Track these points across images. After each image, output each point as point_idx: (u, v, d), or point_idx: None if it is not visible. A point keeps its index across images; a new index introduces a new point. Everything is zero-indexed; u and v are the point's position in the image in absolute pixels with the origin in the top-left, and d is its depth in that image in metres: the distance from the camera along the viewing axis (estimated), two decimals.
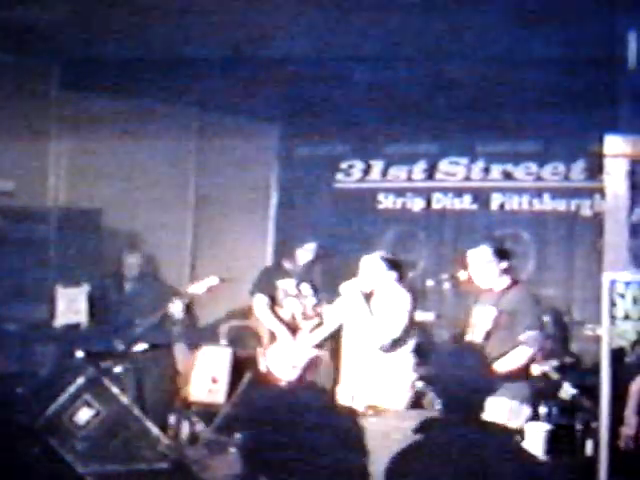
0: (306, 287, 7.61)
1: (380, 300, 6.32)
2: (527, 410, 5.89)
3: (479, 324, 6.02)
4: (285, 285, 7.73)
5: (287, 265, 7.94)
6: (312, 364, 7.40)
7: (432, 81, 7.77)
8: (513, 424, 5.72)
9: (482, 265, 6.08)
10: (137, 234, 8.47)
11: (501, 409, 5.78)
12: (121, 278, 8.18)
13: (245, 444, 2.14)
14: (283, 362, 7.45)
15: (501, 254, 6.10)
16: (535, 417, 5.95)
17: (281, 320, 7.65)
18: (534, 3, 6.21)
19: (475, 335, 5.98)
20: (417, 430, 3.33)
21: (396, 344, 6.19)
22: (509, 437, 3.82)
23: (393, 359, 6.19)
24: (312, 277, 7.73)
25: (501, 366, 5.74)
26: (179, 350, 8.06)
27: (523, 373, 5.88)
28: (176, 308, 7.59)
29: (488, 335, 5.90)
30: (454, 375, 2.45)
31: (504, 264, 6.05)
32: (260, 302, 7.77)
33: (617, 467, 5.34)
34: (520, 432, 5.66)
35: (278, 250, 9.31)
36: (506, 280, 6.07)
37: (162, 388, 7.75)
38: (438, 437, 2.17)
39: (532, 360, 5.90)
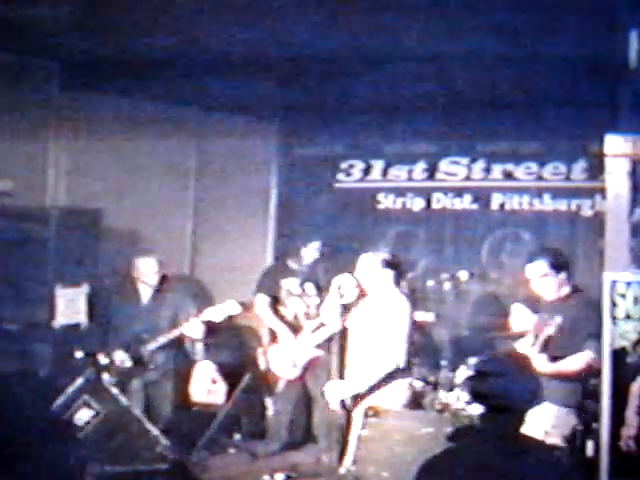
0: (310, 286, 7.59)
1: (376, 301, 6.29)
2: (573, 420, 5.89)
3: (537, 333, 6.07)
4: (289, 284, 7.71)
5: (291, 264, 7.89)
6: (313, 364, 7.39)
7: (432, 81, 7.76)
8: (557, 432, 5.75)
9: (542, 279, 6.17)
10: (136, 235, 8.45)
11: (546, 415, 5.80)
12: (134, 284, 7.58)
13: None
14: (284, 361, 7.45)
15: (558, 266, 6.18)
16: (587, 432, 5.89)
17: (283, 319, 7.63)
18: (534, 3, 6.20)
19: (533, 344, 6.01)
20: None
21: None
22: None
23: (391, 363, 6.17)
24: (316, 276, 7.69)
25: (557, 371, 5.79)
26: (204, 368, 7.62)
27: (575, 380, 5.90)
28: (194, 329, 7.25)
29: (547, 344, 5.94)
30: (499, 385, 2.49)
31: (563, 275, 6.15)
32: (262, 302, 7.75)
33: (618, 468, 5.33)
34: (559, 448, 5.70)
35: (279, 250, 9.31)
36: (566, 289, 6.16)
37: (168, 404, 7.58)
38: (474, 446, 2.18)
39: (590, 369, 5.88)
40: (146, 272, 7.51)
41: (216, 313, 7.22)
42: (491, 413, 6.27)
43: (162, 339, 7.27)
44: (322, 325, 7.23)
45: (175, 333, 7.27)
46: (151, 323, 7.42)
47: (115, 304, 7.55)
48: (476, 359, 6.34)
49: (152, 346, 7.28)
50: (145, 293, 7.59)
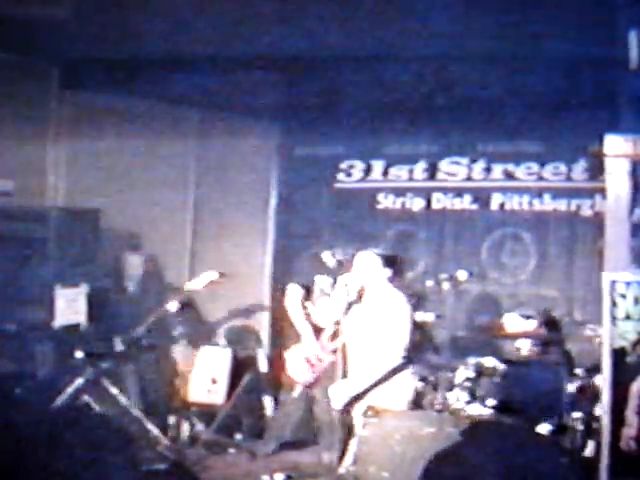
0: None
1: (374, 299, 6.28)
2: None
3: None
4: (322, 282, 7.45)
5: (328, 259, 7.54)
6: (328, 369, 7.22)
7: (432, 81, 7.76)
8: None
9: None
10: (137, 234, 8.46)
11: None
12: (122, 277, 8.12)
13: None
14: (302, 365, 7.26)
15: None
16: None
17: (309, 319, 7.36)
18: (534, 3, 6.20)
19: None
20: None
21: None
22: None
23: (391, 360, 6.16)
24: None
25: None
26: (179, 350, 8.02)
27: None
28: (172, 307, 7.63)
29: None
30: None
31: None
32: (294, 293, 7.38)
33: (618, 468, 5.33)
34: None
35: (279, 250, 9.33)
36: None
37: (162, 388, 7.71)
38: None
39: None
40: (133, 267, 8.10)
41: (197, 282, 7.66)
42: (495, 414, 6.29)
43: (149, 320, 7.55)
44: (339, 332, 7.03)
45: (158, 313, 7.58)
46: (138, 308, 7.83)
47: (110, 298, 7.89)
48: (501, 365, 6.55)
49: (141, 327, 7.51)
50: (130, 284, 8.17)
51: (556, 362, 6.79)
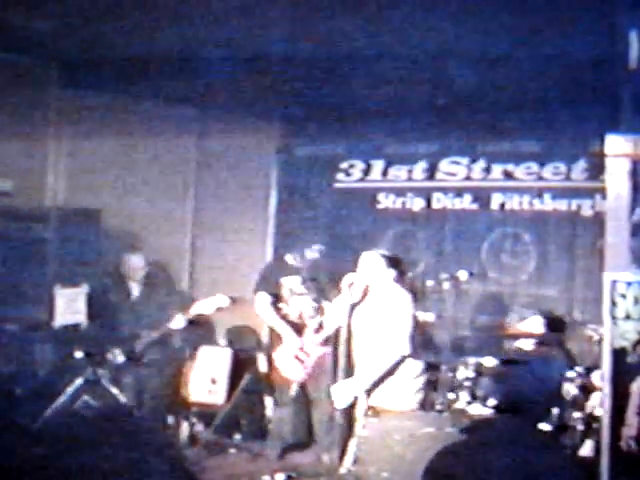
0: (312, 285, 7.50)
1: (378, 298, 6.30)
2: None
3: None
4: (290, 283, 7.58)
5: (291, 261, 7.74)
6: (320, 362, 7.29)
7: (432, 81, 7.76)
8: None
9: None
10: (136, 235, 8.46)
11: None
12: (123, 281, 7.94)
13: None
14: (291, 362, 7.34)
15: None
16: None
17: (286, 319, 7.50)
18: (534, 3, 6.20)
19: None
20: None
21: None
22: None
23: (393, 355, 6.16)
24: (318, 275, 7.57)
25: None
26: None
27: None
28: (177, 324, 7.53)
29: None
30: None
31: None
32: (263, 300, 7.65)
33: (618, 468, 5.33)
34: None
35: (279, 249, 9.32)
36: None
37: (161, 388, 7.71)
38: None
39: None
40: (134, 268, 7.89)
41: (206, 306, 7.45)
42: (496, 414, 6.29)
43: (152, 335, 7.52)
44: (325, 325, 7.17)
45: (163, 329, 7.52)
46: (142, 317, 7.66)
47: (108, 301, 7.77)
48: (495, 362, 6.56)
49: (143, 342, 7.47)
50: (134, 289, 7.91)
51: (557, 362, 6.80)
